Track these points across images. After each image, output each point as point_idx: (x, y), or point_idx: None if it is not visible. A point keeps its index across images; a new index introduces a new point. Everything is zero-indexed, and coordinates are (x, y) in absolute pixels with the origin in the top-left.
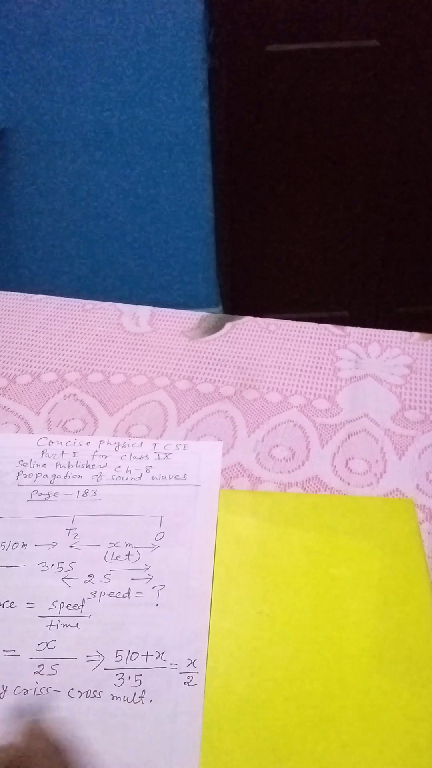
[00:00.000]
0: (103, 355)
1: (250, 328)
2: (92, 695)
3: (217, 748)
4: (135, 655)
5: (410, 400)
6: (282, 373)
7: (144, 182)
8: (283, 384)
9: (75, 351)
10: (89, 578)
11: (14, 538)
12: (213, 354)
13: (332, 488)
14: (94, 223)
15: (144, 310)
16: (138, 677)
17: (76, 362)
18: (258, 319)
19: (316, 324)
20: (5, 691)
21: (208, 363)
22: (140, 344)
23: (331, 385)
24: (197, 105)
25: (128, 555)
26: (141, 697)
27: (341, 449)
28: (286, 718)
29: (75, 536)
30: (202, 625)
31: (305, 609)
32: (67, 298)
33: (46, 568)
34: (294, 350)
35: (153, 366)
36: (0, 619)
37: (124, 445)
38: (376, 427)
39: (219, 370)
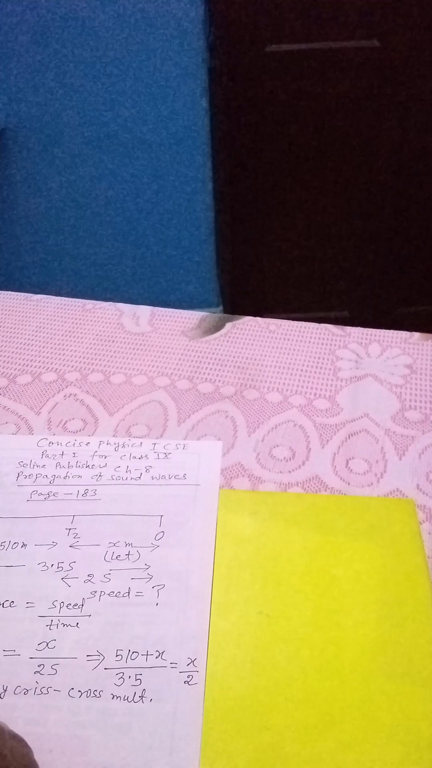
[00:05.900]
0: (104, 355)
1: (250, 328)
2: (92, 695)
3: (217, 748)
4: (135, 655)
5: (410, 400)
6: (282, 373)
7: (144, 182)
8: (284, 384)
9: (75, 351)
10: (89, 578)
11: (14, 538)
12: (213, 354)
13: (332, 488)
14: (94, 223)
15: (144, 310)
16: (138, 677)
17: (76, 362)
18: (258, 319)
19: (316, 324)
20: (5, 690)
21: (209, 363)
22: (140, 344)
23: (331, 385)
24: (197, 105)
25: (128, 554)
26: (141, 697)
27: (341, 449)
28: (286, 717)
29: (75, 536)
30: (201, 625)
31: (305, 609)
32: (67, 298)
33: (45, 567)
34: (294, 350)
35: (153, 366)
36: (0, 619)
37: (123, 445)
38: (377, 427)
39: (219, 370)
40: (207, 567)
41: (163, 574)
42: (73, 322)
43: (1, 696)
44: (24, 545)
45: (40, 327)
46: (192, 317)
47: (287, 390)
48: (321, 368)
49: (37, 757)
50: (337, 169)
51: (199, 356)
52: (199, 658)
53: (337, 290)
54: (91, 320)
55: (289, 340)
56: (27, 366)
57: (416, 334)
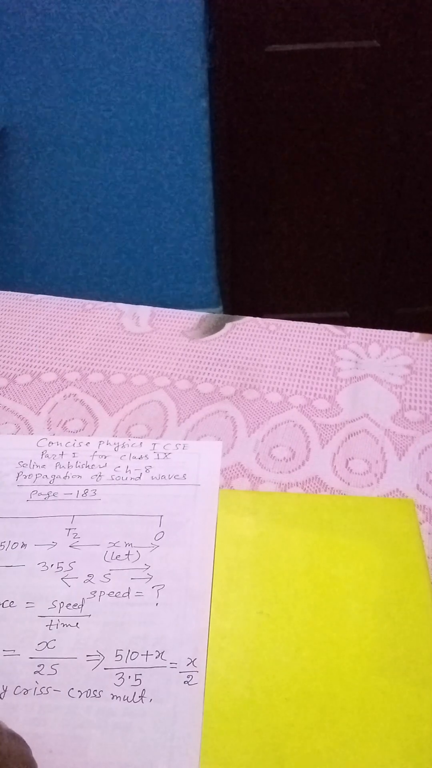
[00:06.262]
0: (103, 355)
1: (250, 328)
2: (92, 695)
3: (217, 748)
4: (135, 655)
5: (410, 401)
6: (282, 373)
7: (144, 182)
8: (283, 384)
9: (75, 351)
10: (89, 578)
11: (14, 538)
12: (213, 354)
13: (332, 488)
14: (94, 223)
15: (144, 310)
16: (138, 677)
17: (76, 362)
18: (258, 319)
19: (316, 324)
20: (5, 691)
21: (208, 363)
22: (140, 344)
23: (331, 385)
24: (197, 105)
25: (128, 555)
26: (141, 697)
27: (341, 449)
28: (286, 718)
29: (75, 536)
30: (201, 625)
31: (305, 609)
32: (67, 298)
33: (45, 567)
34: (294, 350)
35: (153, 366)
36: (0, 619)
37: (123, 445)
38: (376, 427)
39: (219, 370)
40: (207, 567)
41: (163, 574)
42: (73, 322)
43: (1, 696)
44: (24, 545)
45: (40, 327)
46: (192, 317)
47: (287, 390)
48: (321, 368)
49: (37, 756)
50: (337, 169)
51: (198, 356)
52: (198, 658)
53: (337, 290)
54: (91, 320)
55: (289, 340)
56: (27, 366)
57: (416, 335)
